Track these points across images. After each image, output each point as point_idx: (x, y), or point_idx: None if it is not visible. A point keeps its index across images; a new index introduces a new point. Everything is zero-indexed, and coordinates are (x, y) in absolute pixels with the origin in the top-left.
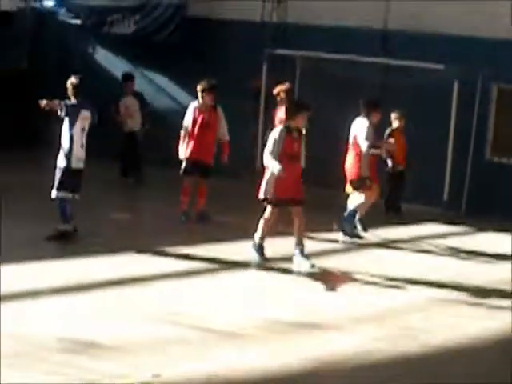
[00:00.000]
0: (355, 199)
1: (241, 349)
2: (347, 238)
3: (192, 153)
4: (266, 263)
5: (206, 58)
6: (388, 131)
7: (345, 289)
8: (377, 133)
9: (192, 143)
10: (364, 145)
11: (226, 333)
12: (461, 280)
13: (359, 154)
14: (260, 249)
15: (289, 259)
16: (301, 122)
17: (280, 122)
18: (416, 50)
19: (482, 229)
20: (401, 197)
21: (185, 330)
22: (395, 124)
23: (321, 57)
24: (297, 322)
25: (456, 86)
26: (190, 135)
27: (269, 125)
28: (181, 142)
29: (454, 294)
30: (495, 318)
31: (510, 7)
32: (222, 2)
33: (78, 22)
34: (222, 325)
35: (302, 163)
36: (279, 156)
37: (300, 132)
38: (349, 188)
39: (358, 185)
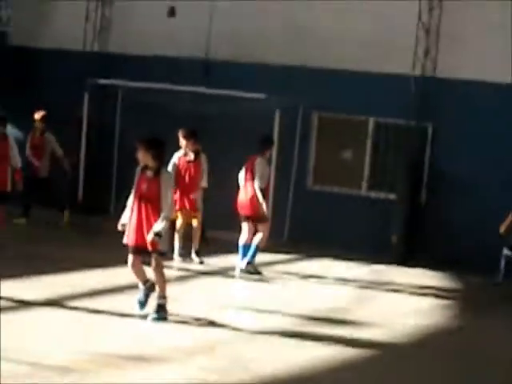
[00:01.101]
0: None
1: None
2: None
3: None
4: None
5: (29, 87)
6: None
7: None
8: None
9: None
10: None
11: (59, 367)
12: (289, 308)
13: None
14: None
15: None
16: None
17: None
18: (237, 80)
19: (309, 256)
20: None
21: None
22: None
23: (142, 87)
24: (128, 355)
25: (277, 114)
26: None
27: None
28: None
29: (283, 322)
30: (323, 346)
31: (331, 38)
32: (44, 31)
33: None
34: (55, 360)
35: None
36: None
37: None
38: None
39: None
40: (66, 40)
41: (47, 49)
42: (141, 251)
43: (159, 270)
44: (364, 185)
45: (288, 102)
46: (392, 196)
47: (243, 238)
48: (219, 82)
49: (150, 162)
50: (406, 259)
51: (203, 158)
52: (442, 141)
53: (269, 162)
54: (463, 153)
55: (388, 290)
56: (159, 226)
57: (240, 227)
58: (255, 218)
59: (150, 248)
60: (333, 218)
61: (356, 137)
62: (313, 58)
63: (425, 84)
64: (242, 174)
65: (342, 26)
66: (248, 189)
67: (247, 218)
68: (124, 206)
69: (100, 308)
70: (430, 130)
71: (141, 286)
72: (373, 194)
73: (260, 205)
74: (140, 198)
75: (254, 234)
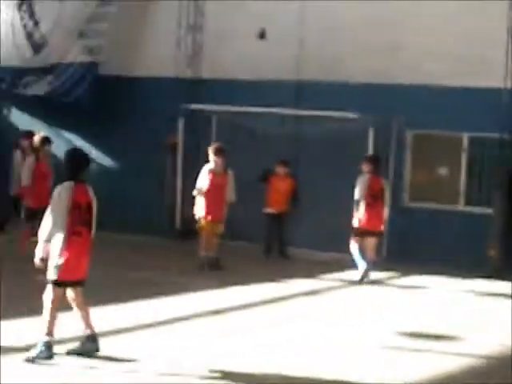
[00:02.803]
0: None
1: None
2: None
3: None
4: None
5: (121, 115)
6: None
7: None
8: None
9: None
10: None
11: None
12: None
13: None
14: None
15: None
16: None
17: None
18: (329, 100)
19: (407, 272)
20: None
21: None
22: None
23: (235, 111)
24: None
25: (371, 133)
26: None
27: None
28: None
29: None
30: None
31: (422, 54)
32: (136, 59)
33: None
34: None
35: None
36: None
37: None
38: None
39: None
40: (158, 67)
41: (139, 77)
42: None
43: None
44: (461, 200)
45: (381, 120)
46: (489, 210)
47: (370, 253)
48: (311, 102)
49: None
50: (505, 273)
51: (230, 174)
52: None
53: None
54: None
55: (494, 304)
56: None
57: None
58: (380, 234)
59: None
60: (430, 233)
61: (450, 152)
62: (404, 75)
63: None
64: (362, 192)
65: (432, 42)
66: (378, 207)
67: (374, 234)
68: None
69: None
70: None
71: None
72: (469, 209)
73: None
74: None
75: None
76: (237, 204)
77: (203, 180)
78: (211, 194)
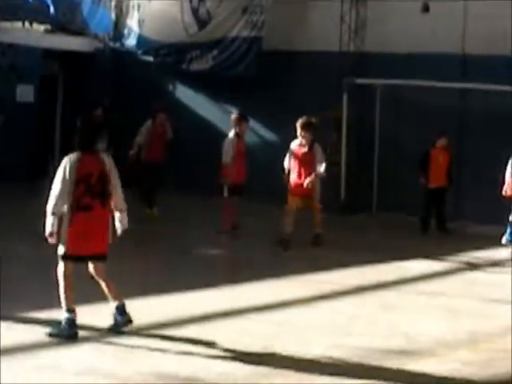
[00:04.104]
0: None
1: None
2: None
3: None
4: None
5: (284, 90)
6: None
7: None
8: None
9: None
10: None
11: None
12: None
13: None
14: None
15: None
16: None
17: None
18: (494, 74)
19: None
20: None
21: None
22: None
23: (400, 84)
24: (386, 349)
25: None
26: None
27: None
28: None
29: None
30: None
31: None
32: (298, 33)
33: (158, 60)
34: (314, 353)
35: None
36: None
37: None
38: None
39: None
40: (322, 41)
41: (302, 51)
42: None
43: None
44: None
45: None
46: None
47: None
48: (475, 76)
49: None
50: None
51: (317, 147)
52: None
53: None
54: None
55: None
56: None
57: None
58: None
59: None
60: None
61: None
62: None
63: None
64: None
65: None
66: None
67: None
68: (385, 203)
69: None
70: None
71: None
72: None
73: None
74: None
75: None
76: (396, 176)
77: (288, 154)
78: (296, 169)
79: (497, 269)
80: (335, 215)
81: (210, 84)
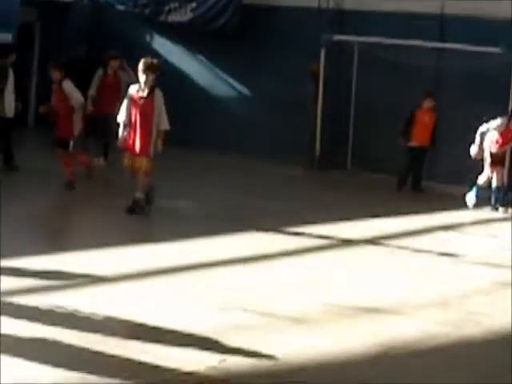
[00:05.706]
0: None
1: (304, 334)
2: None
3: None
4: None
5: (263, 44)
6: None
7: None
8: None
9: None
10: None
11: (289, 318)
12: None
13: None
14: None
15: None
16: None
17: None
18: (473, 35)
19: None
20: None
21: (249, 315)
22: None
23: (378, 42)
24: (360, 307)
25: None
26: None
27: None
28: None
29: None
30: None
31: None
32: None
33: (136, 11)
34: (285, 310)
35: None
36: None
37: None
38: None
39: None
40: None
41: (282, 6)
42: None
43: None
44: None
45: None
46: None
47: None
48: (454, 36)
49: None
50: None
51: (158, 94)
52: None
53: None
54: None
55: None
56: None
57: None
58: None
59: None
60: None
61: None
62: None
63: None
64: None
65: None
66: None
67: None
68: (360, 161)
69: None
70: None
71: None
72: None
73: None
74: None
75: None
76: (377, 137)
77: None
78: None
79: (469, 229)
80: (310, 170)
81: (188, 36)
